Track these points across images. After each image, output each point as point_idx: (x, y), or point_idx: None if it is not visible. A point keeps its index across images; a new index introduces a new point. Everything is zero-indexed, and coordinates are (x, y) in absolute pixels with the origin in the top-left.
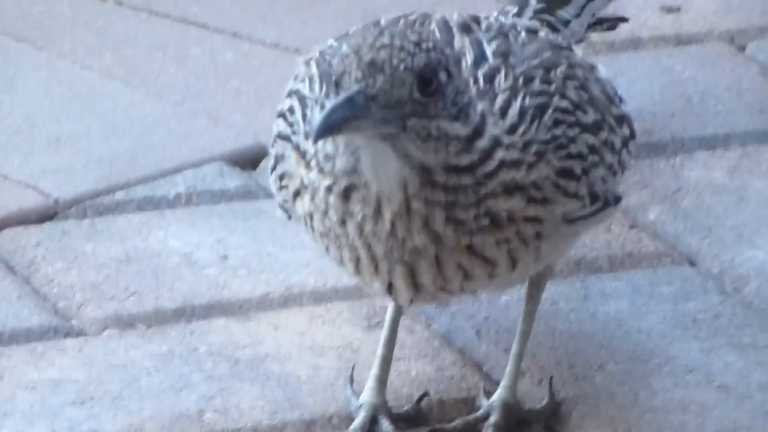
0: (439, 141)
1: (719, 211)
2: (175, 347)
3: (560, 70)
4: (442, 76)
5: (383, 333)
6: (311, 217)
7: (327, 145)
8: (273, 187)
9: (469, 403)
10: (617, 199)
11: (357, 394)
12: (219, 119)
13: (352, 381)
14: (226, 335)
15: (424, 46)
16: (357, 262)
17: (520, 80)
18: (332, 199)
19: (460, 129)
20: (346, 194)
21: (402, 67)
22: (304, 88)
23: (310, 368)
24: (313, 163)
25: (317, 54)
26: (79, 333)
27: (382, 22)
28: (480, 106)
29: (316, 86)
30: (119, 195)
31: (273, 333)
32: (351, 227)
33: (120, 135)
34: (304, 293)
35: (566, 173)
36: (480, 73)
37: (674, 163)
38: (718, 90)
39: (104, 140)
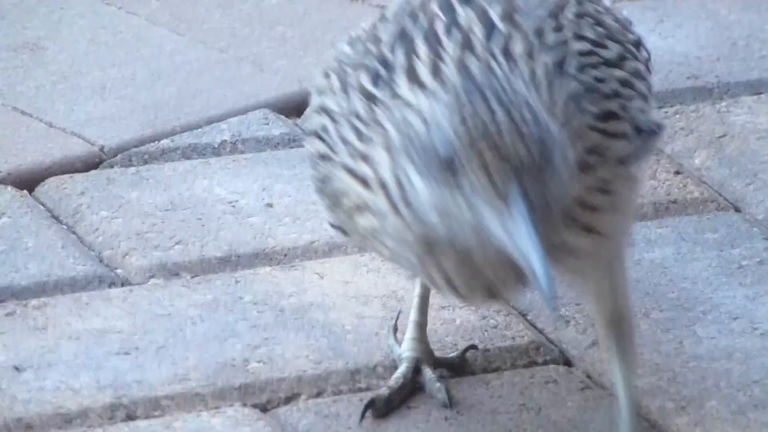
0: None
1: (764, 156)
2: (220, 296)
3: (570, 12)
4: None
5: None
6: (375, 233)
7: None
8: (323, 204)
9: (513, 351)
10: (660, 126)
11: (400, 343)
12: (264, 65)
13: (395, 330)
14: (270, 284)
15: (542, 122)
16: (431, 279)
17: (534, 37)
18: (410, 236)
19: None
20: (428, 242)
21: (540, 159)
22: (331, 104)
23: (354, 317)
24: (382, 193)
25: (334, 64)
26: (124, 282)
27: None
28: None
29: (342, 101)
30: (164, 143)
31: (318, 282)
32: (430, 265)
33: (165, 82)
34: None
35: (607, 115)
36: (497, 50)
37: (719, 107)
38: (763, 33)
39: (149, 87)
